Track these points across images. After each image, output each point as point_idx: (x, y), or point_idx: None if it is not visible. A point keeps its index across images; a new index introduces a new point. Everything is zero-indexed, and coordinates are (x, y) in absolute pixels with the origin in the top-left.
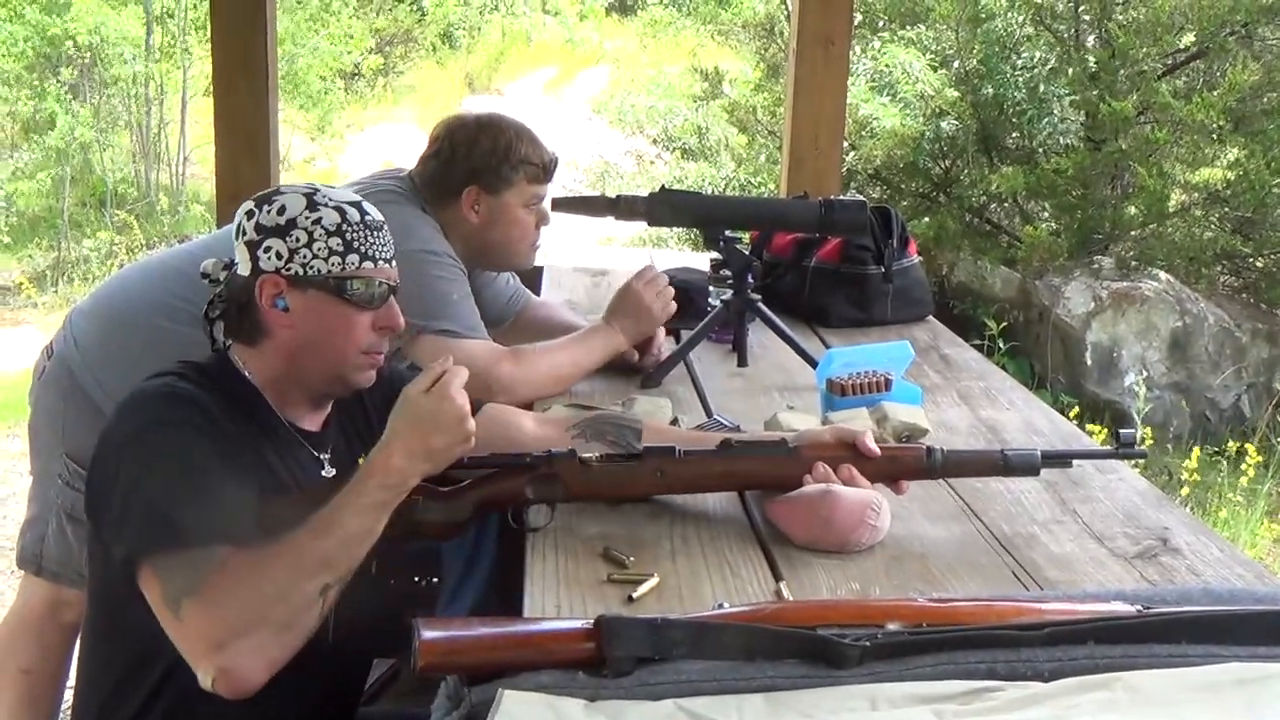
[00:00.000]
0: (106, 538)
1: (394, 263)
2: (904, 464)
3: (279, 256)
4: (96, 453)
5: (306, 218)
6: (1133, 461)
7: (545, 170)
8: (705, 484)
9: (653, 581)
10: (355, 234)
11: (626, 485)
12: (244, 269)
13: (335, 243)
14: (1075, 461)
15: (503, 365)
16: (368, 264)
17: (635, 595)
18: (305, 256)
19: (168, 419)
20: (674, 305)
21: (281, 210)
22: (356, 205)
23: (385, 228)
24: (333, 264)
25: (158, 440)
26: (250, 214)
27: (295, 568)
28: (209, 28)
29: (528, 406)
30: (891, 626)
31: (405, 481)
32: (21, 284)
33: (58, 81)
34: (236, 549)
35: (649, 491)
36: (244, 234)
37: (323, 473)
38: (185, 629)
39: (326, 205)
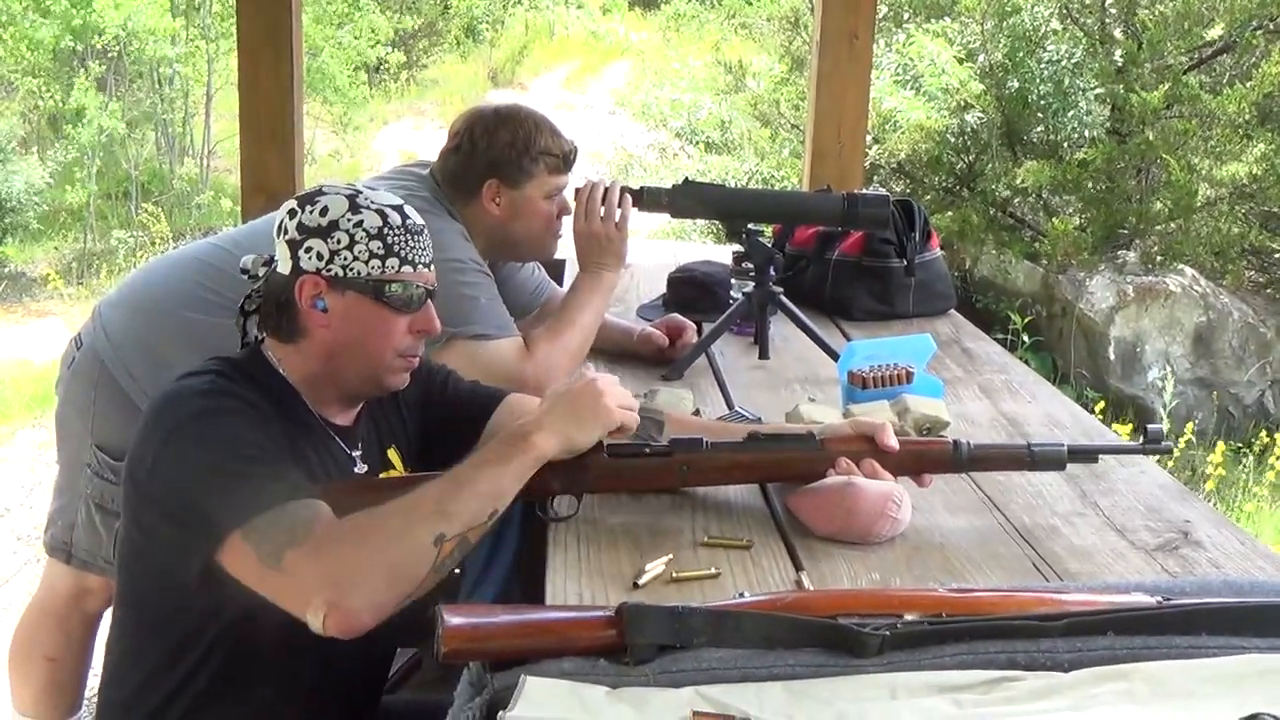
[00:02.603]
0: (175, 542)
1: (433, 267)
2: (930, 458)
3: (319, 257)
4: (136, 457)
5: (349, 220)
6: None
7: (565, 160)
8: (730, 477)
9: (666, 558)
10: (396, 238)
11: (652, 478)
12: (284, 267)
13: (376, 246)
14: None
15: (527, 366)
16: (407, 268)
17: (641, 582)
18: (346, 258)
19: (213, 407)
20: (628, 205)
21: (324, 211)
22: (398, 209)
23: (426, 232)
24: (373, 267)
25: (207, 427)
26: (293, 213)
27: (409, 511)
28: (235, 20)
29: None
30: (909, 617)
31: (535, 449)
32: (49, 276)
33: (85, 74)
34: (324, 501)
35: (674, 484)
36: (285, 232)
37: (355, 469)
38: (290, 577)
39: (369, 208)
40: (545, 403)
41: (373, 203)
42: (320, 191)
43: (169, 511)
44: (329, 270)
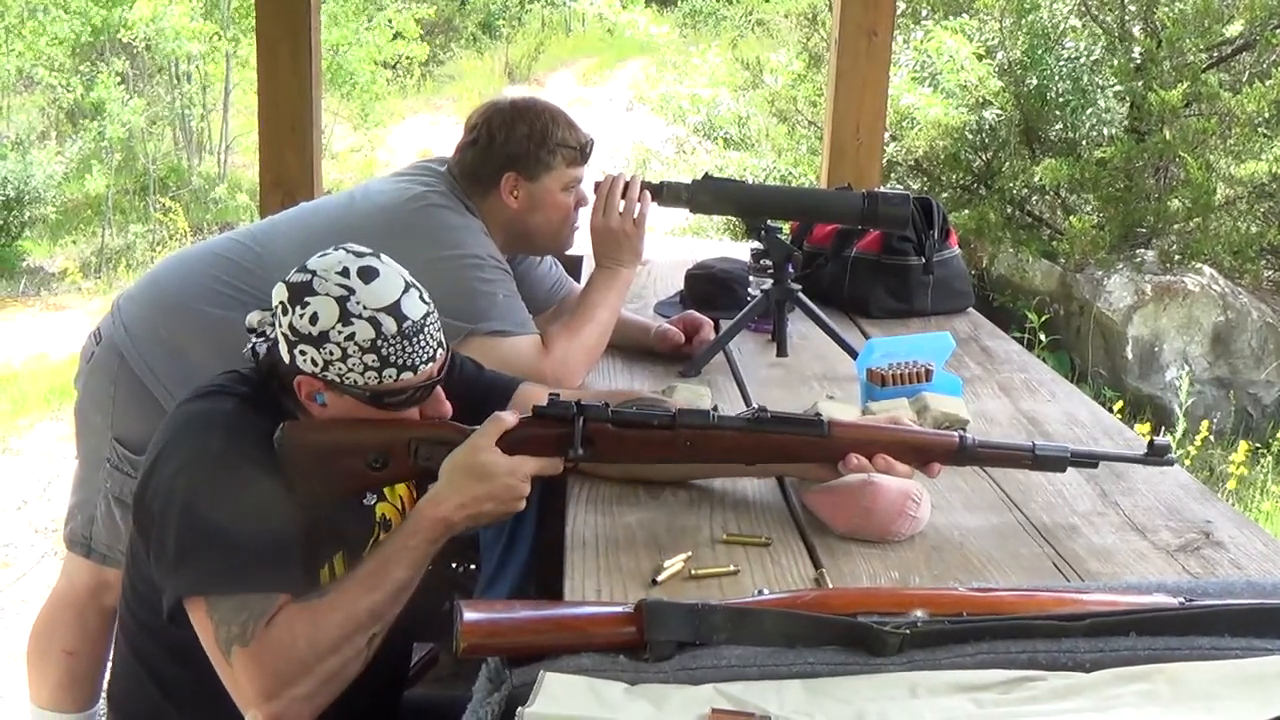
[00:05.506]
0: (156, 568)
1: (440, 353)
2: (934, 451)
3: (314, 363)
4: (149, 472)
5: (339, 332)
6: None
7: (582, 152)
8: (734, 456)
9: (685, 555)
10: (391, 348)
11: (656, 449)
12: (284, 353)
13: (370, 359)
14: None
15: (545, 363)
16: (406, 374)
17: (659, 579)
18: (340, 369)
19: (225, 454)
20: (647, 202)
21: (314, 319)
22: (394, 310)
23: (427, 326)
24: (369, 379)
25: (215, 476)
26: (284, 308)
27: (348, 623)
28: (254, 16)
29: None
30: (919, 613)
31: (451, 533)
32: (67, 270)
33: (107, 69)
34: (290, 595)
35: (677, 457)
36: (279, 323)
37: (364, 501)
38: (235, 675)
39: (360, 317)
40: (453, 479)
41: (365, 309)
42: (310, 288)
43: (155, 540)
44: (324, 375)
